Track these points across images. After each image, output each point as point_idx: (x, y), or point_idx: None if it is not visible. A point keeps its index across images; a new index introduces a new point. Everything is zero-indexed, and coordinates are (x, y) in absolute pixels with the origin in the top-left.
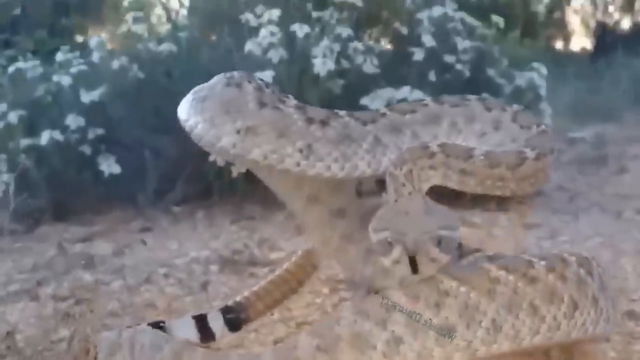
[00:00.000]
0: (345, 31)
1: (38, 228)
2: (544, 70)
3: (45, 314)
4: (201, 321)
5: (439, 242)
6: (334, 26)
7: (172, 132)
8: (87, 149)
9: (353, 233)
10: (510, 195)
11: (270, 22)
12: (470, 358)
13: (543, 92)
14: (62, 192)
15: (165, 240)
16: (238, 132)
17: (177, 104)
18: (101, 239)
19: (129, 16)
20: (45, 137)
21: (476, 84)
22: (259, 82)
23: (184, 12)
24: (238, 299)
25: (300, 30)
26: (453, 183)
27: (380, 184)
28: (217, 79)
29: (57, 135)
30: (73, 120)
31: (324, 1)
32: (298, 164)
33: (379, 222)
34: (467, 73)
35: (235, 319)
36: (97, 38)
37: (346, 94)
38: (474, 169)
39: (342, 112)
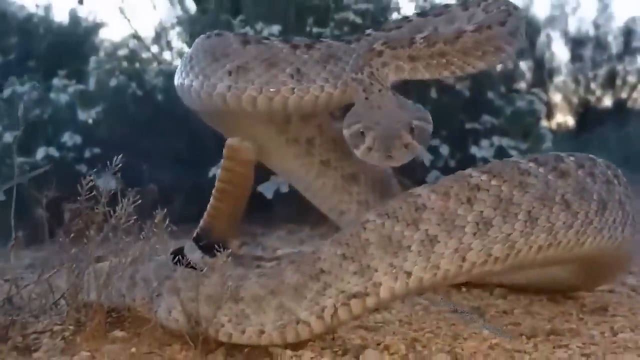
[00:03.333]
0: None
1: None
2: (543, 95)
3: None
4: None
5: (411, 130)
6: None
7: (171, 152)
8: (83, 168)
9: (369, 200)
10: (460, 73)
11: (270, 36)
12: (509, 251)
13: (543, 116)
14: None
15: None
16: (230, 73)
17: (175, 121)
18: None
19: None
20: (40, 154)
21: (476, 105)
22: None
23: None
24: (200, 224)
25: None
26: (406, 73)
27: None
28: (197, 40)
29: (53, 152)
30: (69, 138)
31: (325, 18)
32: (293, 91)
33: (351, 117)
34: (467, 93)
35: (208, 243)
36: (96, 57)
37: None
38: (418, 53)
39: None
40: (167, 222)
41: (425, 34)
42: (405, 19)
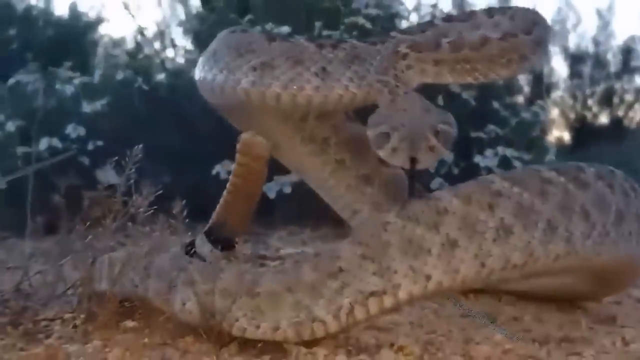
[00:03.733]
0: None
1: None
2: (547, 108)
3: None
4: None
5: (437, 133)
6: None
7: (175, 148)
8: (85, 160)
9: (382, 203)
10: (483, 80)
11: None
12: (527, 259)
13: (547, 129)
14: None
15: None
16: (254, 69)
17: (181, 116)
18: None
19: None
20: (43, 144)
21: (482, 114)
22: None
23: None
24: (213, 218)
25: None
26: (430, 77)
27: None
28: (220, 35)
29: (56, 143)
30: (73, 130)
31: (335, 22)
32: (317, 88)
33: (376, 117)
34: (473, 103)
35: (219, 238)
36: (102, 50)
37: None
38: (443, 57)
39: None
40: (184, 214)
41: (451, 39)
42: (430, 23)
